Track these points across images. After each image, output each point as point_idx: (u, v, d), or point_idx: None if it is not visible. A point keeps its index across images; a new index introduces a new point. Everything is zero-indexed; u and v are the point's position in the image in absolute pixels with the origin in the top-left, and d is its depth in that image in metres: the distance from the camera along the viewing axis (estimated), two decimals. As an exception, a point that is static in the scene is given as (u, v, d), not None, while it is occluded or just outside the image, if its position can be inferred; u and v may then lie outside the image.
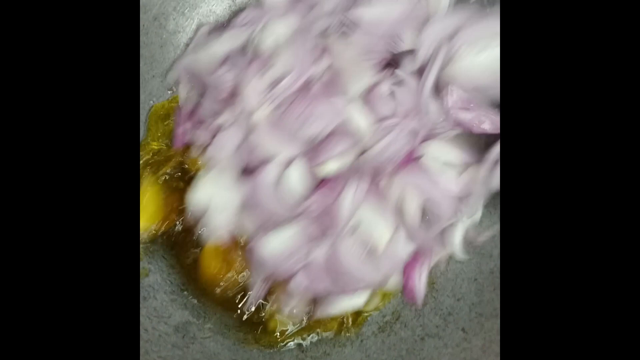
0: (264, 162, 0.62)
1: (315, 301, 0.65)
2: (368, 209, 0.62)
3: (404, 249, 0.63)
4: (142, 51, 0.67)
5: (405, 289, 0.65)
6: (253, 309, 0.64)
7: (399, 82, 0.60)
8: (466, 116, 0.58)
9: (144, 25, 0.67)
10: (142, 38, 0.67)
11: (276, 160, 0.61)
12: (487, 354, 0.60)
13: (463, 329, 0.63)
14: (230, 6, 0.72)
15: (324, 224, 0.61)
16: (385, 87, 0.61)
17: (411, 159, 0.62)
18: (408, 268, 0.65)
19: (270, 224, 0.62)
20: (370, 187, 0.62)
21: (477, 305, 0.64)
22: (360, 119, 0.60)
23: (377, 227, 0.62)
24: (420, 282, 0.64)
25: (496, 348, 0.59)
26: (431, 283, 0.68)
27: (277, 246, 0.60)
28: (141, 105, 0.68)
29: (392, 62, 0.62)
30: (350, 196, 0.60)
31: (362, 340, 0.66)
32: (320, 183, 0.63)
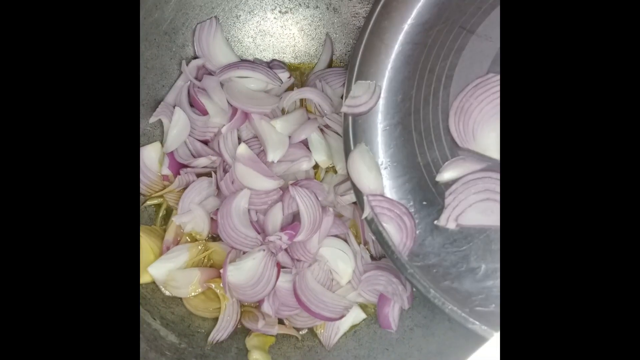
0: (240, 189, 0.69)
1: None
2: (333, 245, 0.70)
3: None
4: (154, 63, 0.73)
5: (379, 317, 0.70)
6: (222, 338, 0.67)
7: None
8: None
9: (155, 40, 0.72)
10: (154, 51, 0.73)
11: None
12: (469, 341, 0.64)
13: (449, 320, 0.68)
14: (234, 23, 0.78)
15: (293, 254, 0.68)
16: None
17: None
18: (381, 299, 0.69)
19: (241, 248, 0.68)
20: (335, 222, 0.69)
21: (461, 298, 0.69)
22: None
23: (340, 263, 0.69)
24: (394, 312, 0.69)
25: (477, 336, 0.64)
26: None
27: (246, 272, 0.66)
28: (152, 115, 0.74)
29: None
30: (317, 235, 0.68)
31: (355, 331, 0.71)
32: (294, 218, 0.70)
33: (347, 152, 0.63)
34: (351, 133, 0.63)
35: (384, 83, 0.62)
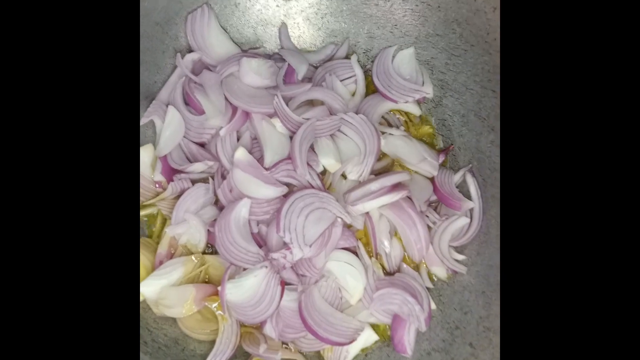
0: (239, 198, 0.62)
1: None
2: (342, 258, 0.63)
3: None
4: (144, 57, 0.66)
5: (393, 340, 0.63)
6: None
7: None
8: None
9: (145, 31, 0.65)
10: (145, 43, 0.66)
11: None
12: (494, 370, 0.58)
13: (471, 344, 0.62)
14: (233, 11, 0.71)
15: (298, 269, 0.62)
16: None
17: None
18: (396, 320, 0.63)
19: (241, 264, 0.61)
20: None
21: (484, 319, 0.62)
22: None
23: (350, 279, 0.62)
24: (410, 335, 0.62)
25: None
26: (438, 295, 0.66)
27: (246, 291, 0.59)
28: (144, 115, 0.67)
29: None
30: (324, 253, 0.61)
31: (366, 354, 0.64)
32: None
33: None
34: None
35: None
